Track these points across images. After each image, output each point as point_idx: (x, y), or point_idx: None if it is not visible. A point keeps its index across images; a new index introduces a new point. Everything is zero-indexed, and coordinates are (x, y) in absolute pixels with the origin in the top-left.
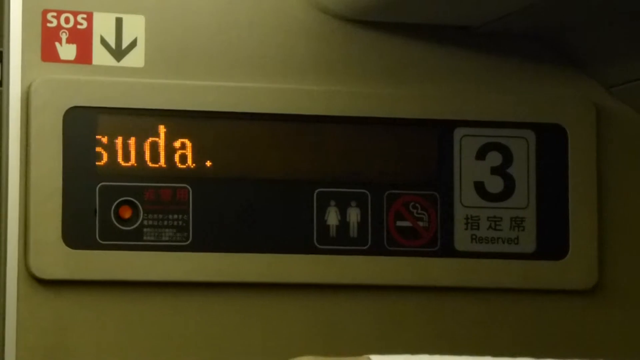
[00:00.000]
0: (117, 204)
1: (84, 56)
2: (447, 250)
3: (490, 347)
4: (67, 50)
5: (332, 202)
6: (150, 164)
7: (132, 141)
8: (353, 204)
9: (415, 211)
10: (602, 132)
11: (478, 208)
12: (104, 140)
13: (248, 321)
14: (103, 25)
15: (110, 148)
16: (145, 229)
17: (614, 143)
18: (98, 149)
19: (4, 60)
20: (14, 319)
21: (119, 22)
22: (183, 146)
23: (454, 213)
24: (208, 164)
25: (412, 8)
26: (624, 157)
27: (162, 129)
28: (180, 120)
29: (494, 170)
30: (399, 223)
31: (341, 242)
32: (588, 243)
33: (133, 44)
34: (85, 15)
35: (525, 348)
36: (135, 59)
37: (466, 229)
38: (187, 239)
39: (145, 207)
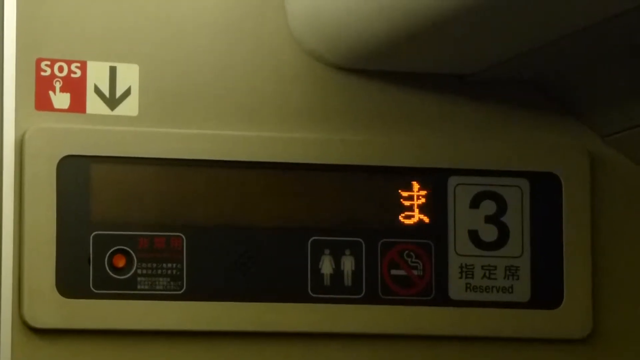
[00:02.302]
0: (111, 253)
1: (78, 105)
2: (442, 299)
3: None
4: (60, 99)
5: (327, 251)
6: (144, 213)
7: (126, 190)
8: (347, 252)
9: (409, 260)
10: (597, 181)
11: (472, 257)
12: (98, 189)
13: None
14: (97, 74)
15: (104, 197)
16: (139, 278)
17: (608, 191)
18: (92, 197)
19: None
20: None
21: (112, 71)
22: (177, 194)
23: (449, 262)
24: (202, 212)
25: (405, 57)
26: (618, 205)
27: (155, 178)
28: (174, 169)
29: (488, 219)
30: (394, 272)
31: (335, 291)
32: (582, 292)
33: (127, 92)
34: (79, 64)
35: None
36: (129, 107)
37: (460, 277)
38: (181, 287)
39: (139, 255)
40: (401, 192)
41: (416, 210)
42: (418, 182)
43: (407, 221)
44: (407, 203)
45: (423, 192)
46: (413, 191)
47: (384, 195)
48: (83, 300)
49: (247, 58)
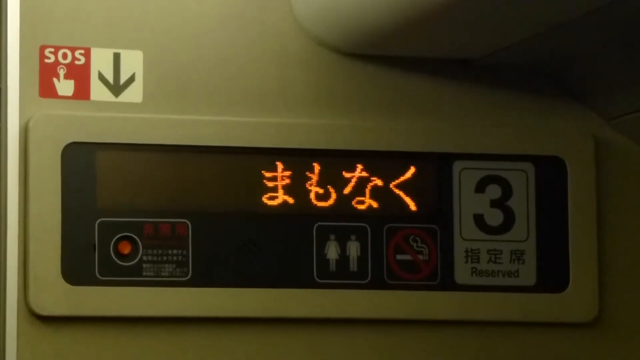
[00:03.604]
0: (117, 240)
1: (82, 92)
2: (448, 283)
3: None
4: (65, 86)
5: (332, 236)
6: (149, 199)
7: (130, 176)
8: (353, 237)
9: (415, 244)
10: (602, 164)
11: (478, 241)
12: (103, 175)
13: (248, 356)
14: (101, 61)
15: (109, 183)
16: (144, 265)
17: (614, 175)
18: (97, 184)
19: (2, 96)
20: (14, 356)
21: (116, 58)
22: (182, 181)
23: (454, 246)
24: (207, 198)
25: (410, 42)
26: (623, 189)
27: (160, 164)
28: (179, 155)
29: (494, 203)
30: (399, 257)
31: (341, 276)
32: (588, 275)
33: (131, 79)
34: (82, 51)
35: None
36: (133, 94)
37: (466, 262)
38: (187, 274)
39: (144, 242)
40: (406, 177)
41: (421, 195)
42: (423, 167)
43: (412, 206)
44: (413, 187)
45: (428, 177)
46: (418, 176)
47: (388, 179)
48: (88, 287)
49: (252, 44)
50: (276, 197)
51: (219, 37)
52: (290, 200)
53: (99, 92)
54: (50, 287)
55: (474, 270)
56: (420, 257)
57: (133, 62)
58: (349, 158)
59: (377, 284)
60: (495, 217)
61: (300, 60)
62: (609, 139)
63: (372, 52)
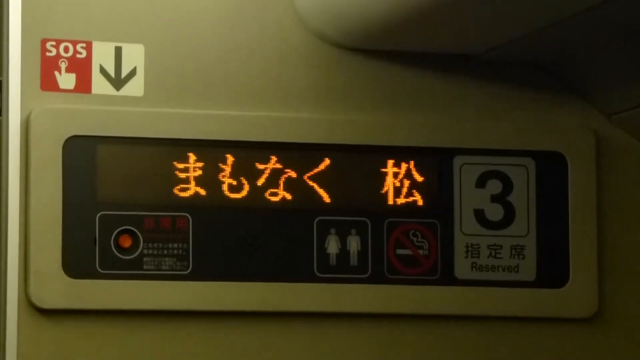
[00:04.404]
0: (117, 233)
1: (83, 85)
2: (448, 278)
3: None
4: (66, 80)
5: (332, 231)
6: (150, 193)
7: (131, 170)
8: (353, 232)
9: (415, 239)
10: (602, 160)
11: (478, 236)
12: (104, 169)
13: (248, 350)
14: (102, 54)
15: (110, 177)
16: (145, 258)
17: (614, 170)
18: (97, 178)
19: (3, 89)
20: (15, 349)
21: (118, 51)
22: (183, 174)
23: (454, 241)
24: (208, 192)
25: (411, 37)
26: (623, 184)
27: (161, 158)
28: (180, 149)
29: (494, 198)
30: (399, 251)
31: (341, 271)
32: (588, 271)
33: (132, 73)
34: (84, 45)
35: None
36: (134, 88)
37: (466, 257)
38: (187, 267)
39: (145, 236)
40: (407, 172)
41: (422, 190)
42: (423, 162)
43: (412, 200)
44: (413, 182)
45: (429, 172)
46: (419, 170)
47: (389, 174)
48: (89, 280)
49: (253, 38)
50: (277, 191)
51: (220, 31)
52: (291, 195)
53: (100, 85)
54: (51, 280)
55: (474, 265)
56: (421, 251)
57: (134, 55)
58: (349, 152)
59: (377, 278)
60: (495, 212)
61: (301, 54)
62: (609, 134)
63: (373, 47)
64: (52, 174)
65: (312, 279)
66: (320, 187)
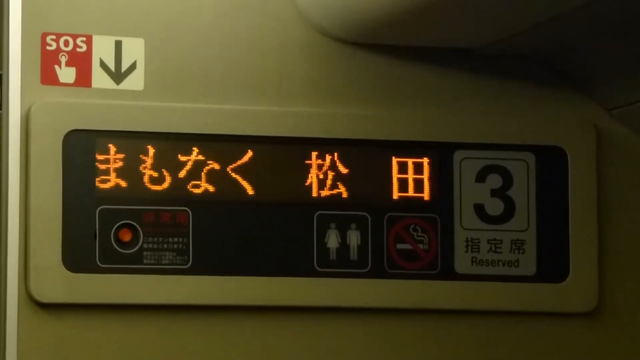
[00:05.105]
0: (117, 227)
1: (84, 79)
2: (448, 272)
3: None
4: (66, 74)
5: (332, 225)
6: (150, 187)
7: (131, 164)
8: (353, 226)
9: (415, 234)
10: (603, 155)
11: (478, 230)
12: (104, 163)
13: (248, 344)
14: (102, 48)
15: (110, 171)
16: (145, 252)
17: (614, 165)
18: (97, 172)
19: (3, 83)
20: (15, 343)
21: (118, 45)
22: (183, 169)
23: (454, 235)
24: (208, 186)
25: (411, 31)
26: (624, 179)
27: (161, 152)
28: (180, 143)
29: (494, 193)
30: (399, 246)
31: (341, 265)
32: (588, 266)
33: (132, 66)
34: (84, 38)
35: None
36: (134, 82)
37: (466, 251)
38: (187, 262)
39: (145, 230)
40: (407, 166)
41: (422, 184)
42: (424, 156)
43: (412, 195)
44: (413, 177)
45: (429, 166)
46: (419, 165)
47: (389, 168)
48: (89, 274)
49: (253, 32)
50: (277, 186)
51: (221, 25)
52: (290, 189)
53: (100, 79)
54: (51, 274)
55: (474, 259)
56: (421, 246)
57: (134, 49)
58: (349, 147)
59: (377, 273)
60: (495, 207)
61: (302, 48)
62: (609, 129)
63: (373, 41)
64: (52, 168)
65: (312, 273)
66: (320, 181)
